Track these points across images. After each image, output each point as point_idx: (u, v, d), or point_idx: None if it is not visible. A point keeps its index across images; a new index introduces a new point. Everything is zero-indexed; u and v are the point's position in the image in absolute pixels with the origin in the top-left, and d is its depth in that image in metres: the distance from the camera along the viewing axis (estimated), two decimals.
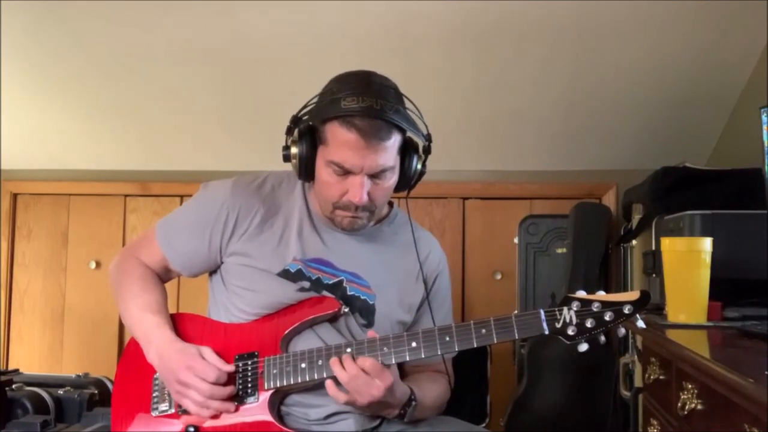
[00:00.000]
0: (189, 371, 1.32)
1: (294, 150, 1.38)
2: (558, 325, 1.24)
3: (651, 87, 2.66)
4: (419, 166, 1.42)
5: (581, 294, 1.26)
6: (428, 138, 1.42)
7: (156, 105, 2.95)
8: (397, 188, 1.44)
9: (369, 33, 2.55)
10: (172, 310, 1.48)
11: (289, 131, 1.39)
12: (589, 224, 2.69)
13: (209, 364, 1.32)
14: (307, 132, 1.37)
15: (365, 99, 1.30)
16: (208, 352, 1.35)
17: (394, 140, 1.35)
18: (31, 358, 3.28)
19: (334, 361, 1.28)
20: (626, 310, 1.22)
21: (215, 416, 1.34)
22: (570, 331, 1.23)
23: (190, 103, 2.92)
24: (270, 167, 1.54)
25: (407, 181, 1.43)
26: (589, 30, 2.48)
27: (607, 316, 1.23)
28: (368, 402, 1.27)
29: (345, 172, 1.35)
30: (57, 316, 3.30)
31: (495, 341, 1.27)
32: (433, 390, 1.44)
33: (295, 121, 1.39)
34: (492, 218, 3.06)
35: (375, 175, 1.35)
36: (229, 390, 1.33)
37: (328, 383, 1.28)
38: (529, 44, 2.55)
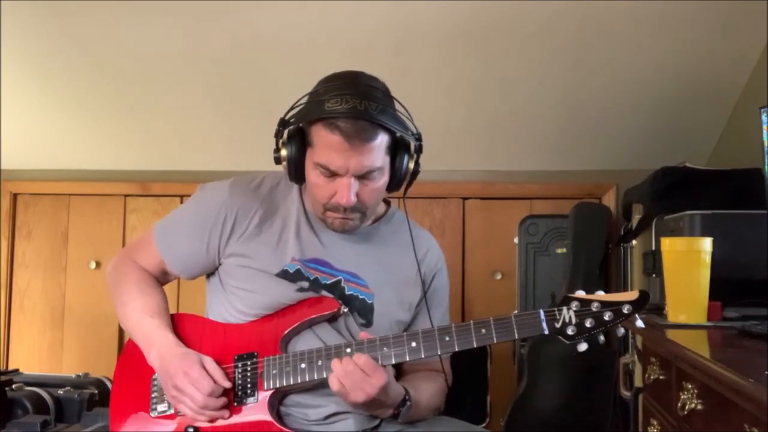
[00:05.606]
0: (185, 378, 1.31)
1: (283, 152, 1.38)
2: (557, 325, 1.24)
3: (651, 87, 2.66)
4: (411, 166, 1.40)
5: (580, 294, 1.26)
6: (418, 137, 1.41)
7: (156, 105, 2.95)
8: (390, 188, 1.43)
9: (370, 33, 2.55)
10: (172, 311, 1.47)
11: (278, 134, 1.39)
12: (589, 224, 2.69)
13: (206, 375, 1.31)
14: (295, 134, 1.37)
15: (349, 100, 1.29)
16: (209, 362, 1.34)
17: (381, 141, 1.33)
18: (31, 358, 3.27)
19: (335, 360, 1.28)
20: (625, 309, 1.23)
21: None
22: (569, 331, 1.24)
23: (189, 103, 2.92)
24: (270, 167, 1.53)
25: (399, 180, 1.41)
26: (590, 30, 2.48)
27: (607, 316, 1.23)
28: (363, 399, 1.26)
29: (332, 174, 1.34)
30: (57, 316, 3.30)
31: (495, 341, 1.27)
32: (428, 390, 1.44)
33: (283, 123, 1.38)
34: (492, 218, 3.05)
35: (362, 176, 1.35)
36: (223, 401, 1.32)
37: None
38: (530, 45, 2.55)
